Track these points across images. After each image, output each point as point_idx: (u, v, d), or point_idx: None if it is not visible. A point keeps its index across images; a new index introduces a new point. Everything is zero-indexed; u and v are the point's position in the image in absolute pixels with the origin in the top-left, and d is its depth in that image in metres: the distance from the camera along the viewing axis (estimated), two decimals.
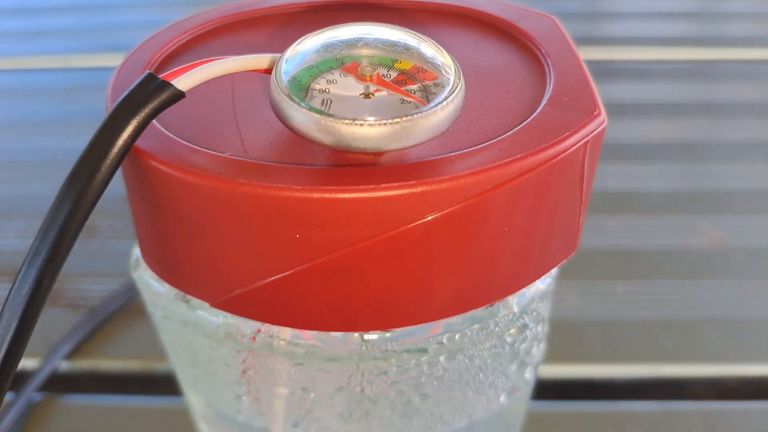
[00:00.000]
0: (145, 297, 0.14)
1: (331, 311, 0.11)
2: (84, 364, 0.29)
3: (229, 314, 0.12)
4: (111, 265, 0.32)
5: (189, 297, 0.12)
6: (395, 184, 0.10)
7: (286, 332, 0.12)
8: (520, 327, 0.13)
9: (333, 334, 0.12)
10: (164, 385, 0.28)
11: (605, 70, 0.46)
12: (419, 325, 0.12)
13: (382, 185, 0.10)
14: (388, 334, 0.12)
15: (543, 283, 0.13)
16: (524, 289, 0.12)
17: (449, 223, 0.10)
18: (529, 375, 0.15)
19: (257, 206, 0.10)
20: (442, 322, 0.12)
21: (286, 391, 0.13)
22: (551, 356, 0.27)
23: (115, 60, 0.47)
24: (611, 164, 0.37)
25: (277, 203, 0.10)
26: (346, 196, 0.10)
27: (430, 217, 0.10)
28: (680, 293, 0.30)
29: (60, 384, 0.28)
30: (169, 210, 0.11)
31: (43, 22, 0.54)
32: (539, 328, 0.14)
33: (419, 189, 0.10)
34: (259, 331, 0.12)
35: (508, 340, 0.13)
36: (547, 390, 0.27)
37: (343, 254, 0.10)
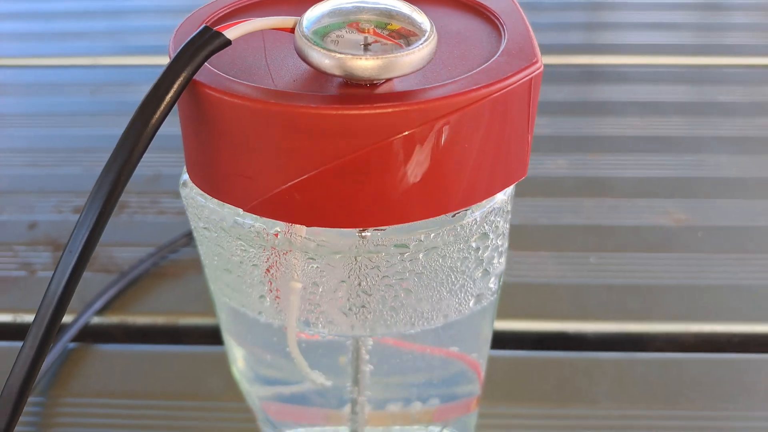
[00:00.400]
0: (190, 212, 0.17)
1: (337, 210, 0.15)
2: (114, 318, 0.32)
3: (258, 217, 0.16)
4: (138, 236, 0.36)
5: (227, 205, 0.16)
6: (384, 104, 0.13)
7: (302, 230, 0.16)
8: (481, 235, 0.16)
9: (338, 230, 0.16)
10: (186, 335, 0.32)
11: (590, 73, 0.50)
12: (403, 224, 0.15)
13: (375, 105, 0.13)
14: (379, 232, 0.16)
15: (499, 200, 0.16)
16: (484, 202, 0.16)
17: (423, 137, 0.14)
18: (493, 285, 0.18)
19: (283, 121, 0.14)
20: (420, 223, 0.16)
21: (300, 285, 0.17)
22: (531, 314, 0.31)
23: (135, 60, 0.52)
24: (591, 154, 0.41)
25: (299, 119, 0.13)
26: (349, 112, 0.13)
27: (408, 132, 0.14)
28: (646, 263, 0.34)
29: (92, 335, 0.32)
30: (216, 129, 0.14)
31: (74, 25, 0.59)
32: (499, 242, 0.17)
33: (402, 109, 0.13)
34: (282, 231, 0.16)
35: (473, 245, 0.17)
36: (527, 341, 0.31)
37: (345, 161, 0.14)
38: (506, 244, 0.18)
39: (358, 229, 0.16)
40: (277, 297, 0.17)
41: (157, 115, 0.14)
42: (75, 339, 0.31)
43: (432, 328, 0.18)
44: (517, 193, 0.38)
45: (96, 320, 0.32)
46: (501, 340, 0.30)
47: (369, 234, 0.16)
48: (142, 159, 0.14)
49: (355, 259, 0.16)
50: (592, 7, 0.63)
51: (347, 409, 0.22)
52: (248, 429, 0.26)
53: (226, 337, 0.22)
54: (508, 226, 0.18)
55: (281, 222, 0.16)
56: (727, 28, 0.56)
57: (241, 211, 0.16)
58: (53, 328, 0.16)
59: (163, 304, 0.33)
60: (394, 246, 0.16)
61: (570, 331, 0.31)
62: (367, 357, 0.19)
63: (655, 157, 0.40)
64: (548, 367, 0.29)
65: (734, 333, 0.30)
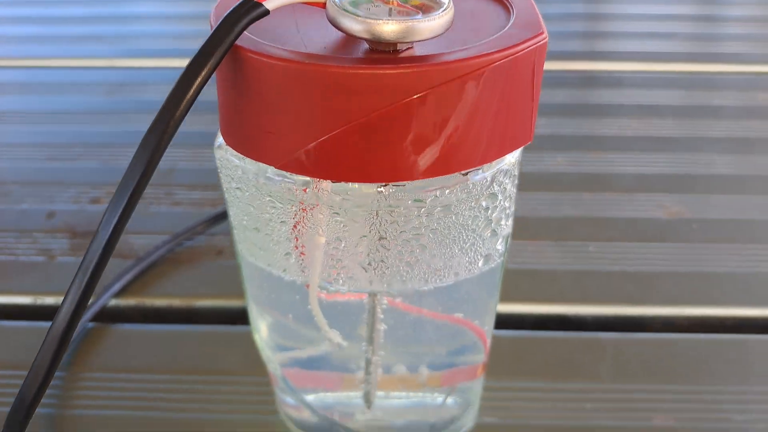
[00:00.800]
0: (224, 173, 0.19)
1: (360, 166, 0.16)
2: (131, 300, 0.33)
3: (289, 173, 0.17)
4: (153, 225, 0.37)
5: (259, 164, 0.17)
6: (407, 65, 0.15)
7: (329, 185, 0.17)
8: (491, 195, 0.18)
9: (360, 186, 0.17)
10: (201, 317, 0.33)
11: (588, 79, 0.52)
12: (420, 181, 0.17)
13: (399, 66, 0.15)
14: (399, 188, 0.17)
15: (507, 162, 0.18)
16: (493, 163, 0.18)
17: (440, 96, 0.15)
18: (500, 247, 0.20)
19: (316, 80, 0.15)
20: (435, 180, 0.17)
21: (324, 239, 0.18)
22: (534, 298, 0.32)
23: (147, 62, 0.54)
24: (590, 152, 0.43)
25: (331, 77, 0.15)
26: (376, 72, 0.15)
27: (428, 91, 0.15)
28: (643, 252, 0.35)
29: (110, 317, 0.33)
30: (253, 91, 0.16)
31: (90, 29, 0.61)
32: (507, 204, 0.19)
33: (422, 69, 0.15)
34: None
35: (483, 204, 0.18)
36: (531, 323, 0.32)
37: (370, 118, 0.15)
38: (513, 208, 0.20)
39: (378, 185, 0.17)
40: (302, 253, 0.19)
41: (202, 74, 0.15)
42: (93, 319, 0.32)
43: (444, 285, 0.19)
44: (519, 188, 0.39)
45: (113, 302, 0.33)
46: (505, 322, 0.31)
47: (387, 189, 0.17)
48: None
49: (377, 214, 0.17)
50: (590, 18, 0.65)
51: (361, 373, 0.23)
52: (263, 401, 0.28)
53: (251, 305, 0.23)
54: (515, 190, 0.19)
55: (310, 178, 0.17)
56: (719, 38, 0.59)
57: (272, 168, 0.17)
58: (98, 273, 0.17)
59: (178, 288, 0.34)
60: (412, 201, 0.17)
61: (570, 313, 0.32)
62: (381, 316, 0.21)
63: (650, 156, 0.42)
64: (550, 346, 0.30)
65: (727, 316, 0.32)
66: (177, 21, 0.64)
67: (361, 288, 0.19)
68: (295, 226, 0.18)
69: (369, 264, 0.19)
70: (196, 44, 0.15)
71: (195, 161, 0.43)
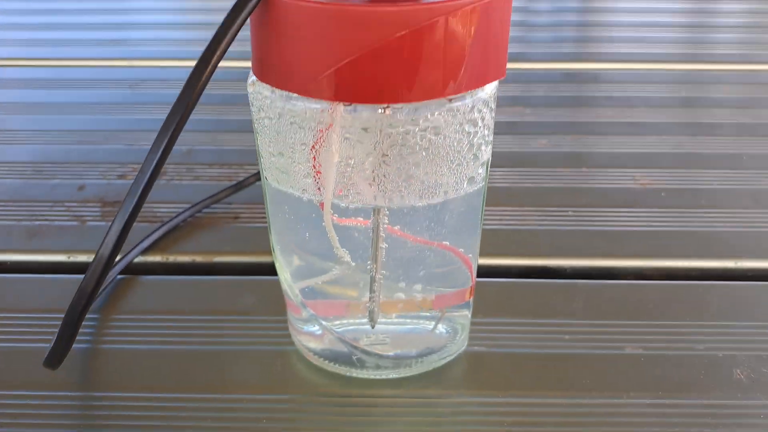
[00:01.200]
0: (255, 106, 0.23)
1: (368, 90, 0.20)
2: (157, 257, 0.37)
3: (310, 99, 0.21)
4: (176, 195, 0.41)
5: (286, 93, 0.21)
6: (404, 4, 0.19)
7: (341, 107, 0.21)
8: (472, 120, 0.22)
9: (367, 107, 0.21)
10: (221, 271, 0.37)
11: (568, 75, 0.57)
12: (414, 104, 0.21)
13: (398, 4, 0.19)
14: (397, 111, 0.21)
15: (486, 92, 0.22)
16: (474, 91, 0.22)
17: (429, 30, 0.19)
18: (481, 171, 0.24)
19: (332, 18, 0.19)
20: (426, 104, 0.21)
21: (337, 157, 0.22)
22: (517, 252, 0.36)
23: (163, 63, 0.60)
24: (568, 135, 0.47)
25: (343, 15, 0.19)
26: (379, 9, 0.19)
27: (419, 26, 0.19)
28: (617, 215, 0.39)
29: (137, 271, 0.37)
30: (280, 29, 0.20)
31: (113, 34, 0.65)
32: (485, 132, 0.23)
33: (415, 8, 0.19)
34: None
35: (466, 128, 0.22)
36: (516, 273, 0.36)
37: (375, 48, 0.20)
38: (491, 138, 0.24)
39: (380, 107, 0.21)
40: (318, 172, 0.23)
41: (242, 16, 0.20)
42: (122, 273, 0.36)
43: (435, 204, 0.23)
44: (503, 164, 0.44)
45: (140, 259, 0.37)
46: (493, 272, 0.35)
47: (388, 111, 0.21)
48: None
49: (380, 133, 0.21)
50: (574, 25, 0.70)
51: (366, 298, 0.27)
52: (279, 335, 0.31)
53: (274, 239, 0.27)
54: (493, 122, 0.23)
55: (326, 101, 0.21)
56: (690, 41, 0.64)
57: (296, 95, 0.21)
58: (141, 201, 0.21)
59: (200, 246, 0.38)
60: (409, 122, 0.21)
61: (550, 265, 0.36)
62: (383, 235, 0.25)
63: (624, 138, 0.47)
64: (531, 290, 0.34)
65: (691, 267, 0.36)
66: (186, 29, 0.69)
67: (367, 202, 0.23)
68: (313, 147, 0.22)
69: (374, 180, 0.22)
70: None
71: (211, 144, 0.47)
